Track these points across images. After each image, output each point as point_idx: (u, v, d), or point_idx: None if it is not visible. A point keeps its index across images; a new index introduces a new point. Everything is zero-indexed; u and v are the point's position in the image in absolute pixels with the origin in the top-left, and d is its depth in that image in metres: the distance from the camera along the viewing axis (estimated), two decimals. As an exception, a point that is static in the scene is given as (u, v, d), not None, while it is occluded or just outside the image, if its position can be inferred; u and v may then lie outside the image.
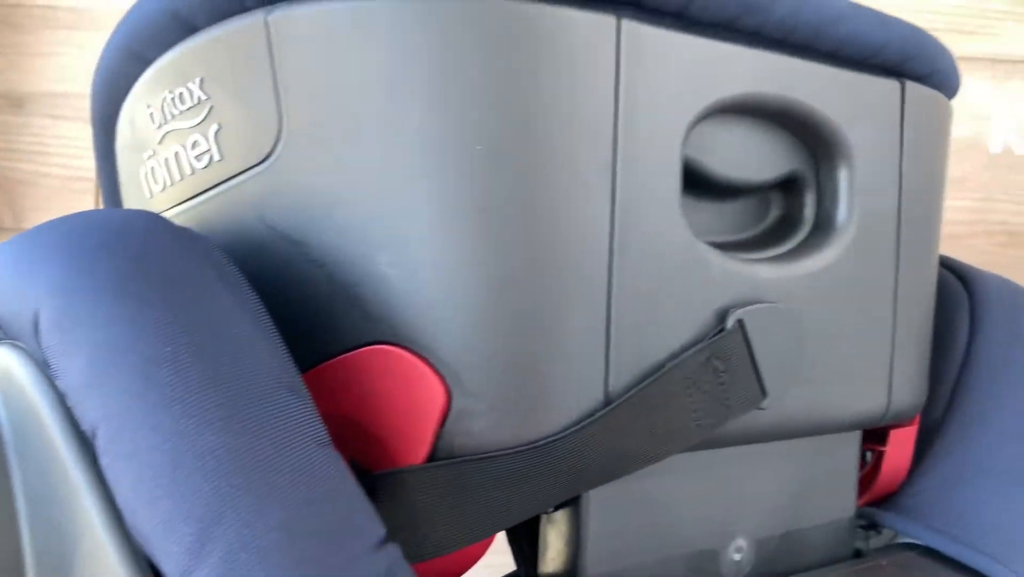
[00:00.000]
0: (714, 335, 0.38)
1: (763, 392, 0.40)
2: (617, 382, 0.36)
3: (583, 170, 0.35)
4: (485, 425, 0.34)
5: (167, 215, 0.41)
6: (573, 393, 0.35)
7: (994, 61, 0.99)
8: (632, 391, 0.36)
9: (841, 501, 0.47)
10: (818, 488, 0.46)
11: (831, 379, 0.43)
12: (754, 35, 0.40)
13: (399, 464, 0.34)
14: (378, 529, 0.30)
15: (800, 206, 0.45)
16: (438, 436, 0.34)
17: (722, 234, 0.43)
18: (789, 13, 0.40)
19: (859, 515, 0.51)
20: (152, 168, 0.41)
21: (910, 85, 0.46)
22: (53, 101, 0.89)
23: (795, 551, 0.46)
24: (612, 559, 0.39)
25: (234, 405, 0.29)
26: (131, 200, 0.44)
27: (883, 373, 0.46)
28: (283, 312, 0.36)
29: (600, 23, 0.35)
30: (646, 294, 0.37)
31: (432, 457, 0.34)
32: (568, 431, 0.35)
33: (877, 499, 0.53)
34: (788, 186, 0.45)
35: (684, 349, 0.38)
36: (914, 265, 0.47)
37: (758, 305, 0.40)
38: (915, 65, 0.46)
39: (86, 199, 0.90)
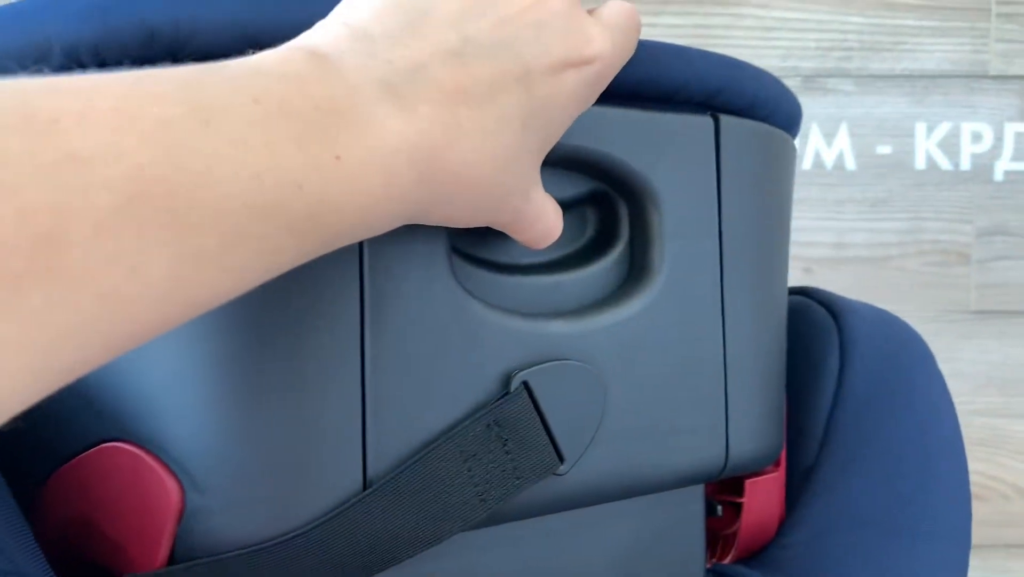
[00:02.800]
0: (495, 401, 0.36)
1: (559, 457, 0.37)
2: (379, 464, 0.34)
3: None
4: (222, 523, 0.32)
5: None
6: (322, 482, 0.33)
7: (911, 77, 0.97)
8: (394, 472, 0.34)
9: (686, 562, 0.44)
10: (656, 550, 0.43)
11: (646, 435, 0.40)
12: None
13: (141, 567, 0.32)
14: None
15: (617, 253, 0.42)
16: (176, 537, 0.32)
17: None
18: None
19: (722, 573, 0.48)
20: None
21: (726, 119, 0.44)
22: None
23: None
24: None
25: None
26: None
27: (715, 422, 0.43)
28: (25, 413, 0.34)
29: None
30: (409, 364, 0.34)
31: (172, 559, 0.32)
32: (316, 523, 0.32)
33: (748, 553, 0.50)
34: (604, 233, 0.43)
35: (464, 419, 0.36)
36: (746, 307, 0.44)
37: (546, 364, 0.37)
38: (727, 98, 0.43)
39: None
